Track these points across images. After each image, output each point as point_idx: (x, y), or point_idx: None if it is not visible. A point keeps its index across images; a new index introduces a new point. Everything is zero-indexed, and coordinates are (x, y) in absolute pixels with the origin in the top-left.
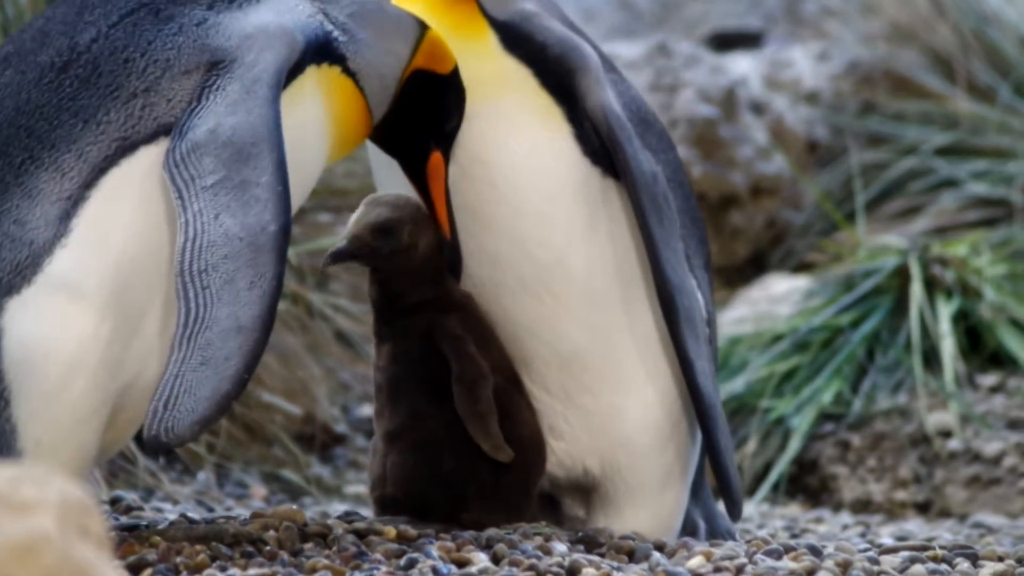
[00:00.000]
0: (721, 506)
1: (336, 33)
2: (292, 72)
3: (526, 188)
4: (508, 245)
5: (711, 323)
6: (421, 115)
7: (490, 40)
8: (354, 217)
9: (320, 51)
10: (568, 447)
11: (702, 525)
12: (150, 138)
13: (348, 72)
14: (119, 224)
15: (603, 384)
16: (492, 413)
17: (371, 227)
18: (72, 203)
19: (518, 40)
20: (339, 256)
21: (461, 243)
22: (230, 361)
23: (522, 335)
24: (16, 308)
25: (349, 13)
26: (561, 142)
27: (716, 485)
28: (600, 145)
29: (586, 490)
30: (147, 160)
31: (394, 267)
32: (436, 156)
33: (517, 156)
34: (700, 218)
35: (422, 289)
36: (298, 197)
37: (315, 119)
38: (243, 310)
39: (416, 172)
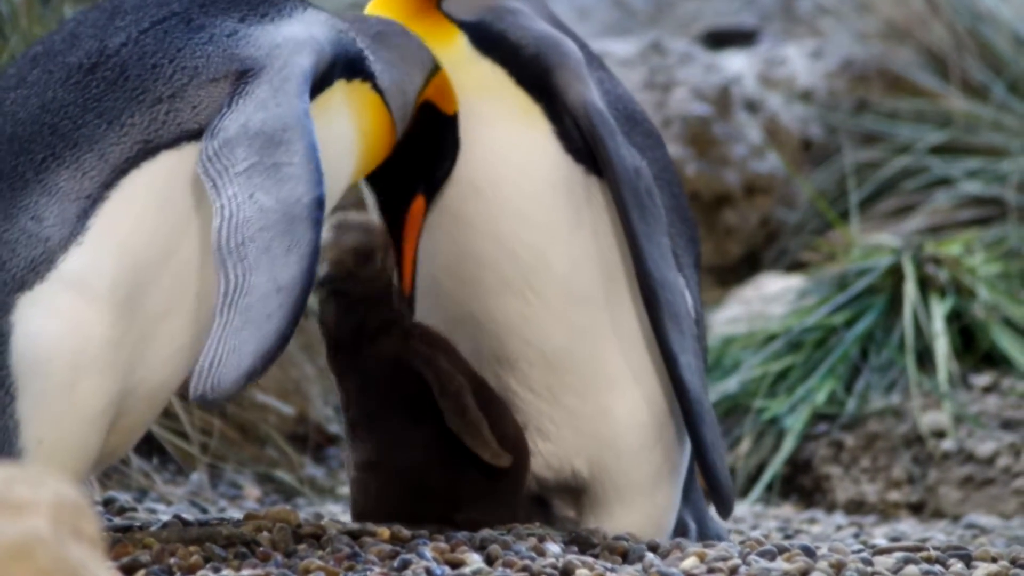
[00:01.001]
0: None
1: (367, 51)
2: (320, 84)
3: (507, 187)
4: (490, 245)
5: (699, 322)
6: (416, 153)
7: (462, 44)
8: (326, 241)
9: (350, 66)
10: (555, 448)
11: (693, 527)
12: (173, 143)
13: (377, 89)
14: (136, 226)
15: (588, 384)
16: (482, 420)
17: (352, 251)
18: (91, 202)
19: (490, 41)
20: (326, 281)
21: (442, 244)
22: (272, 319)
23: (506, 335)
24: (28, 304)
25: (375, 33)
26: (542, 140)
27: (704, 483)
28: (582, 143)
29: (575, 491)
30: (168, 164)
31: (362, 292)
32: (419, 202)
33: (497, 156)
34: (690, 216)
35: (382, 312)
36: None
37: (343, 134)
38: (281, 272)
39: (394, 213)
